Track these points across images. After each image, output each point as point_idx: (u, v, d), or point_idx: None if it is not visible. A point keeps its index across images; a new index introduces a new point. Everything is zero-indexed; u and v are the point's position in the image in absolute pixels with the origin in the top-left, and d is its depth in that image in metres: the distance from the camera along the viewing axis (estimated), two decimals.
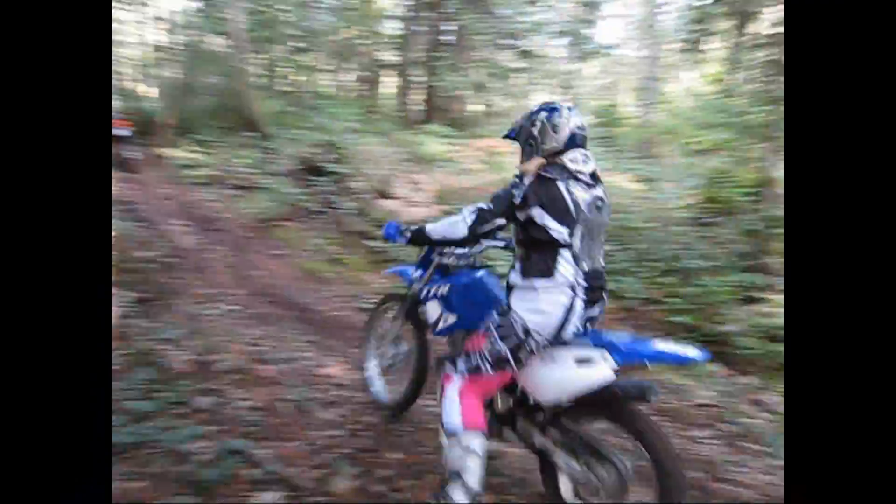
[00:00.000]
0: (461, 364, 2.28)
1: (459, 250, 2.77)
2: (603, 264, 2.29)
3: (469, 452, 2.15)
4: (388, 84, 26.62)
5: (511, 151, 10.50)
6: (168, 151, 12.84)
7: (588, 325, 2.21)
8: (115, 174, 11.32)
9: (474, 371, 2.21)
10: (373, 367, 3.34)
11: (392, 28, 22.44)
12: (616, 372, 2.02)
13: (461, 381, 2.25)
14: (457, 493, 2.13)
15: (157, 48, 21.14)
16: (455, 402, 2.22)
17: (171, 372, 3.57)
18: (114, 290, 4.88)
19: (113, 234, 6.33)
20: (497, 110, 23.33)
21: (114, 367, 3.62)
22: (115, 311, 4.52)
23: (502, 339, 2.14)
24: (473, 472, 2.15)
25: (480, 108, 21.33)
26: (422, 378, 2.95)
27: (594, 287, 2.18)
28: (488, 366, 2.17)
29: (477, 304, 2.54)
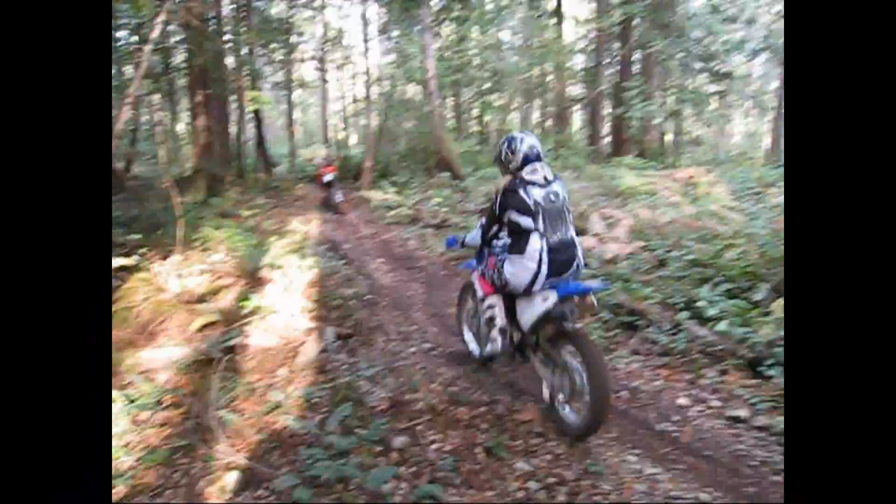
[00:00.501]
0: (480, 270, 3.90)
1: (498, 244, 3.77)
2: (572, 235, 3.35)
3: (492, 307, 3.68)
4: (578, 118, 26.42)
5: (709, 181, 9.79)
6: (369, 193, 13.73)
7: (564, 277, 3.32)
8: (324, 216, 12.42)
9: (482, 274, 3.81)
10: (468, 334, 4.50)
11: (579, 62, 22.33)
12: (557, 303, 3.22)
13: (478, 274, 3.92)
14: (494, 331, 3.67)
15: (356, 100, 23.12)
16: (478, 282, 3.90)
17: (368, 408, 3.60)
18: (317, 325, 5.18)
19: (319, 272, 6.81)
20: (692, 138, 22.03)
21: (313, 401, 3.81)
22: (318, 345, 4.76)
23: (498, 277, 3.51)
24: (499, 315, 3.65)
25: (675, 136, 20.23)
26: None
27: (560, 250, 3.25)
28: (490, 279, 3.64)
29: None
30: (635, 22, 15.84)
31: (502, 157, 3.53)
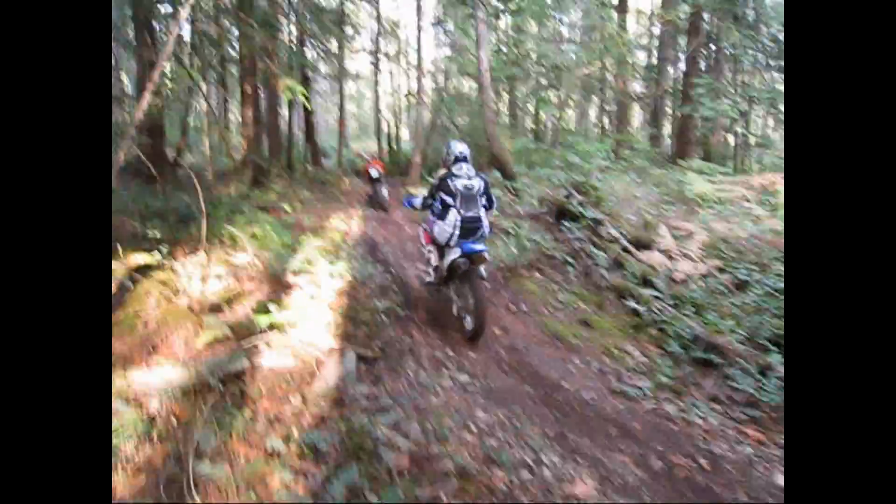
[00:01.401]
0: (423, 227, 5.72)
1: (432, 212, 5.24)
2: (478, 213, 4.94)
3: (430, 252, 5.48)
4: (640, 117, 25.21)
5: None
6: (417, 190, 13.10)
7: (477, 244, 4.84)
8: (368, 212, 11.88)
9: (425, 229, 5.58)
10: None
11: (643, 57, 21.17)
12: (460, 255, 4.83)
13: (422, 229, 5.71)
14: (430, 268, 5.51)
15: (408, 93, 22.52)
16: (421, 234, 5.76)
17: (383, 467, 2.92)
18: (340, 345, 4.56)
19: (352, 278, 6.21)
20: (759, 139, 20.57)
21: (321, 448, 3.16)
22: (338, 370, 4.13)
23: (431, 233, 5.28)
24: (433, 258, 5.39)
25: (740, 137, 18.88)
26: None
27: (469, 224, 4.88)
28: (429, 233, 5.37)
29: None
30: (705, 15, 14.70)
31: (444, 156, 5.36)
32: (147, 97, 5.37)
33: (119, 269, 5.65)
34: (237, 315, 4.92)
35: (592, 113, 30.83)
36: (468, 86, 23.12)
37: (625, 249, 6.07)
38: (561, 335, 4.90)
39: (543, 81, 18.57)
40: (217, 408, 3.53)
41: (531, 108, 25.03)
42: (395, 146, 21.38)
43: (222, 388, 3.64)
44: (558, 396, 3.91)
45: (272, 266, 5.91)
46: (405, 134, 26.92)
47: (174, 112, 18.11)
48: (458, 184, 4.87)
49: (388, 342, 4.61)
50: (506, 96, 23.93)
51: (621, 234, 6.30)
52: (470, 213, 4.87)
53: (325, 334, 4.74)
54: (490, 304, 5.81)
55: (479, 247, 4.79)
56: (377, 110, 23.52)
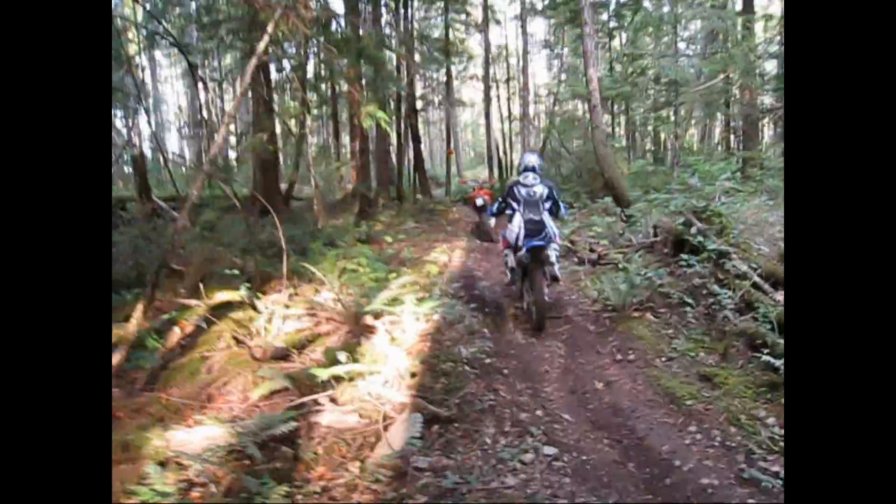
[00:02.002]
0: (502, 234, 6.37)
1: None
2: (541, 217, 5.57)
3: (506, 255, 6.11)
4: (771, 132, 23.06)
5: None
6: None
7: (538, 241, 5.42)
8: (472, 243, 11.39)
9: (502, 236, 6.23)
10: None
11: (772, 67, 19.28)
12: (525, 252, 5.43)
13: (501, 236, 6.44)
14: (507, 268, 6.26)
15: (515, 118, 21.98)
16: (501, 240, 6.38)
17: None
18: (413, 400, 4.02)
19: (440, 319, 5.69)
20: None
21: None
22: (405, 433, 3.58)
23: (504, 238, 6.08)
24: (510, 262, 5.99)
25: None
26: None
27: (531, 226, 5.49)
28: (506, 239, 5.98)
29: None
30: None
31: (518, 167, 6.30)
32: (223, 131, 5.24)
33: (199, 308, 5.50)
34: (306, 362, 4.54)
35: (717, 131, 28.80)
36: (581, 108, 22.29)
37: (756, 286, 5.08)
38: (676, 394, 4.04)
39: (661, 99, 17.36)
40: (261, 474, 3.09)
41: (649, 128, 23.76)
42: (504, 173, 20.87)
43: (261, 453, 3.19)
44: (668, 480, 3.11)
45: (355, 306, 5.50)
46: (516, 160, 26.44)
47: (290, 147, 18.72)
48: (522, 190, 5.64)
49: (467, 398, 4.00)
50: (622, 118, 22.83)
51: (751, 268, 5.30)
52: (532, 216, 5.51)
53: (399, 387, 4.23)
54: (592, 350, 5.05)
55: (537, 242, 5.40)
56: (488, 137, 23.21)
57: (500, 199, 6.05)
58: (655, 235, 7.32)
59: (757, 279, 5.11)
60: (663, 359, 4.67)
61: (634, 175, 15.73)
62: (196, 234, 10.71)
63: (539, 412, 3.93)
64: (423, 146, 19.63)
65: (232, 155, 23.61)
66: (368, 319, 5.21)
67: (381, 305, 5.45)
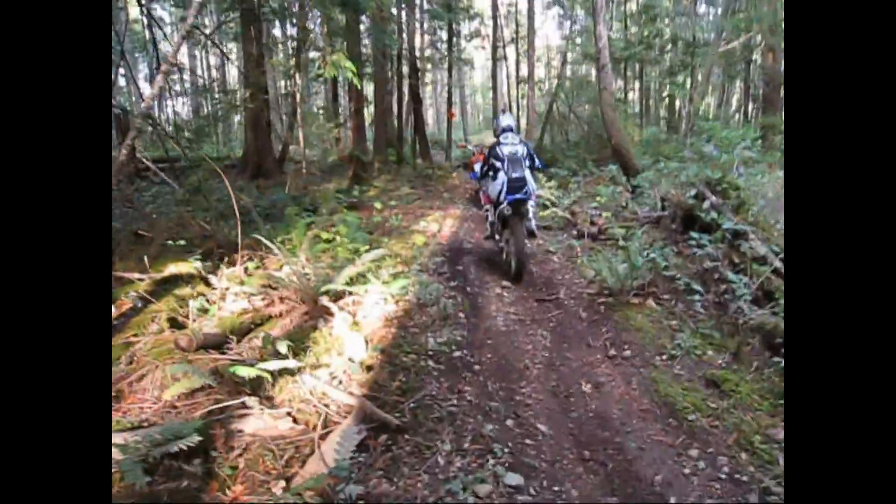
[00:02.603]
0: (482, 190, 7.02)
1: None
2: (522, 173, 5.68)
3: (488, 210, 6.56)
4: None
5: None
6: None
7: (520, 195, 5.63)
8: (467, 211, 10.65)
9: (484, 195, 6.84)
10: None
11: None
12: (506, 205, 5.65)
13: (482, 192, 6.97)
14: (488, 223, 6.70)
15: (522, 80, 20.92)
16: (482, 195, 7.08)
17: None
18: (359, 403, 3.37)
19: (411, 301, 5.03)
20: None
21: None
22: (344, 444, 2.93)
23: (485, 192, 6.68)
24: (490, 214, 6.34)
25: None
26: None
27: (514, 183, 5.64)
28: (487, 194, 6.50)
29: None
30: None
31: (494, 127, 6.77)
32: (159, 80, 4.50)
33: (141, 283, 4.85)
34: (244, 352, 3.88)
35: (734, 98, 27.62)
36: (591, 71, 21.24)
37: (777, 273, 4.35)
38: (676, 405, 3.35)
39: (677, 63, 16.34)
40: (158, 496, 2.48)
41: (664, 94, 22.72)
42: None
43: (163, 469, 2.56)
44: None
45: (316, 283, 4.84)
46: (524, 123, 25.38)
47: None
48: (505, 150, 5.83)
49: (425, 402, 3.36)
50: (635, 84, 21.79)
51: (772, 251, 4.56)
52: (515, 174, 5.69)
53: (349, 385, 3.58)
54: (581, 343, 4.37)
55: (518, 195, 5.65)
56: (494, 100, 22.21)
57: (482, 164, 6.34)
58: (663, 209, 6.57)
59: (778, 264, 4.37)
60: (664, 356, 3.97)
61: (645, 143, 14.86)
62: (180, 197, 10.12)
63: (510, 422, 3.26)
64: (429, 108, 18.70)
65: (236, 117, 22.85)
66: (325, 300, 4.55)
67: (342, 285, 4.78)
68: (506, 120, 6.36)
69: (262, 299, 4.85)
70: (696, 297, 4.59)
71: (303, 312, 4.60)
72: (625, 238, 5.94)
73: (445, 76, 26.31)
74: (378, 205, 10.23)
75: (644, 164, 10.44)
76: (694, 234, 5.08)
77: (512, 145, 5.83)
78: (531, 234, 6.01)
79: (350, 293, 4.74)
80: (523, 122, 20.41)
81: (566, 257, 6.58)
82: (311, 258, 6.00)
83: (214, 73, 25.92)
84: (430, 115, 41.78)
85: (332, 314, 4.45)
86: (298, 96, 12.04)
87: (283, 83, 19.47)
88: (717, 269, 4.77)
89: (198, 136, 12.41)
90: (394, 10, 16.29)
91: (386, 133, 16.04)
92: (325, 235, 6.97)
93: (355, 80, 6.32)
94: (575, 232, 7.57)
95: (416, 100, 17.48)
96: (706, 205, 5.37)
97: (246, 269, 5.47)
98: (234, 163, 16.20)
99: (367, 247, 6.41)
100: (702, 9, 19.74)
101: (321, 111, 20.77)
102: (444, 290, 5.37)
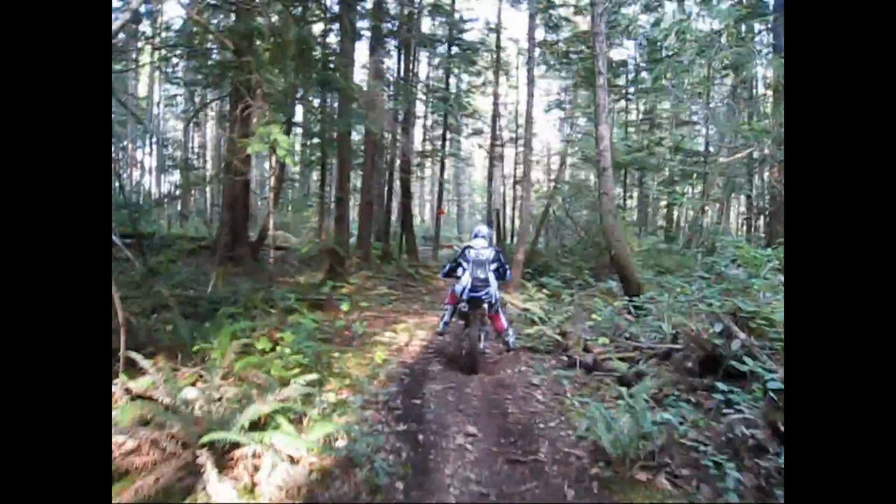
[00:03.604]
0: (450, 290, 6.82)
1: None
2: (486, 276, 6.22)
3: (445, 309, 6.86)
4: None
5: None
6: (511, 297, 10.56)
7: (478, 293, 6.16)
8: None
9: (450, 293, 6.73)
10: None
11: None
12: (466, 301, 6.24)
13: (449, 291, 6.80)
14: (441, 321, 6.83)
15: (517, 181, 20.22)
16: (447, 296, 6.91)
17: None
18: None
19: (338, 454, 3.72)
20: None
21: None
22: None
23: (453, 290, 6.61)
24: (446, 316, 6.73)
25: None
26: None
27: (477, 283, 6.18)
28: (453, 293, 6.58)
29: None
30: None
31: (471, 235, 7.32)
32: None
33: None
34: None
35: (732, 212, 27.11)
36: (591, 176, 20.70)
37: None
38: None
39: (680, 169, 15.66)
40: None
41: (661, 203, 22.14)
42: (503, 242, 19.02)
43: None
44: None
45: (206, 422, 3.54)
46: (517, 226, 24.56)
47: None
48: (472, 252, 6.33)
49: None
50: (634, 192, 21.19)
51: None
52: (478, 275, 6.18)
53: None
54: None
55: (475, 294, 6.14)
56: (489, 201, 21.51)
57: (451, 263, 6.76)
58: (674, 341, 5.35)
59: None
60: None
61: (646, 254, 13.88)
62: (132, 279, 8.99)
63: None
64: (426, 203, 17.86)
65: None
66: (205, 456, 3.22)
67: (237, 433, 3.46)
68: (480, 228, 7.04)
69: (132, 438, 3.52)
70: (728, 477, 3.28)
71: (178, 467, 3.27)
72: (626, 381, 4.67)
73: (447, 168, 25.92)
74: (345, 306, 8.99)
75: (645, 278, 9.35)
76: (721, 386, 3.83)
77: (480, 249, 6.39)
78: (506, 348, 6.59)
79: (250, 443, 3.42)
80: (517, 224, 19.54)
81: (552, 394, 5.28)
82: (235, 376, 4.77)
83: (201, 151, 25.41)
84: (426, 210, 41.35)
85: (201, 471, 3.12)
86: (273, 179, 11.05)
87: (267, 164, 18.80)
88: (753, 437, 3.49)
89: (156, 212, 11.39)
90: (387, 100, 15.81)
91: (369, 226, 15.07)
92: (260, 345, 5.70)
93: (288, 160, 5.34)
94: (565, 358, 6.30)
95: (406, 193, 16.68)
96: (735, 345, 4.14)
97: (128, 391, 4.16)
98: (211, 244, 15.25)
99: (307, 364, 5.15)
100: (698, 120, 19.42)
101: (309, 198, 20.00)
102: (388, 437, 4.06)
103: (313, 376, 4.49)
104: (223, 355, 5.01)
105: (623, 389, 4.32)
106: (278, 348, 5.79)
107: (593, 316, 7.91)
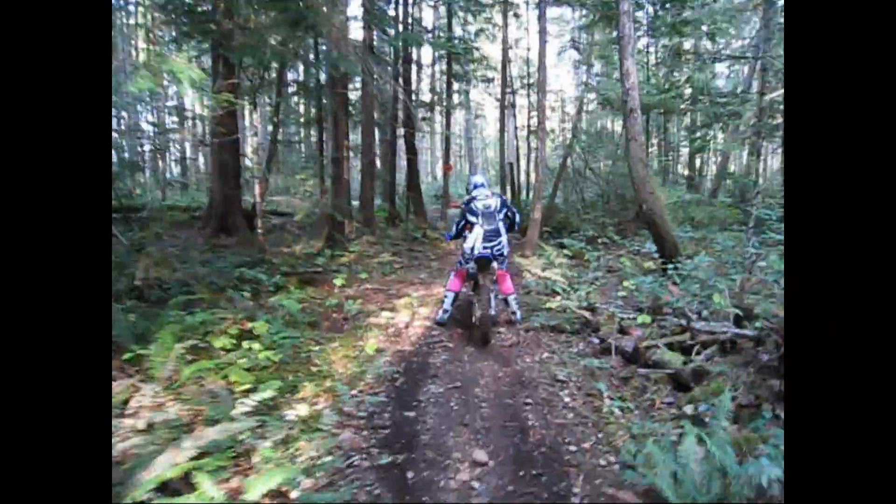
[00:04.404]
0: (455, 267, 6.21)
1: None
2: (497, 226, 5.75)
3: (447, 296, 6.13)
4: None
5: None
6: (529, 262, 9.38)
7: (492, 245, 5.66)
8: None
9: (457, 268, 6.12)
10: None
11: None
12: (475, 261, 5.63)
13: (453, 272, 6.19)
14: (441, 310, 6.18)
15: (531, 131, 18.84)
16: (450, 279, 6.18)
17: None
18: None
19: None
20: None
21: None
22: None
23: (462, 255, 5.98)
24: (447, 303, 6.12)
25: None
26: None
27: (490, 234, 5.65)
28: (457, 265, 6.12)
29: None
30: None
31: (468, 187, 6.30)
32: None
33: None
34: None
35: (773, 160, 25.55)
36: (610, 122, 19.24)
37: None
38: None
39: (712, 114, 14.21)
40: None
41: (682, 150, 20.76)
42: (518, 198, 17.72)
43: None
44: None
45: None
46: (533, 180, 23.15)
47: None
48: (479, 205, 5.86)
49: None
50: (654, 139, 19.67)
51: None
52: (490, 227, 5.75)
53: None
54: None
55: (488, 247, 5.67)
56: (502, 155, 20.14)
57: (457, 222, 6.20)
58: (738, 323, 4.19)
59: None
60: None
61: (673, 206, 12.61)
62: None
63: None
64: (438, 160, 16.59)
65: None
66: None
67: (147, 489, 2.42)
68: (476, 178, 6.40)
69: None
70: None
71: None
72: (683, 382, 3.53)
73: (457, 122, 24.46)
74: (339, 281, 7.92)
75: (679, 235, 8.12)
76: None
77: (485, 199, 5.91)
78: (515, 322, 6.11)
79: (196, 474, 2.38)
80: (532, 178, 18.25)
81: (583, 396, 4.17)
82: (181, 387, 3.81)
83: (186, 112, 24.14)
84: (437, 167, 39.97)
85: None
86: (265, 140, 9.88)
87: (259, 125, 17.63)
88: None
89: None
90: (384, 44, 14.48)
91: (373, 188, 13.91)
92: (219, 343, 4.65)
93: (195, 94, 4.24)
94: (596, 341, 5.19)
95: (411, 150, 15.40)
96: None
97: None
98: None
99: (280, 361, 4.12)
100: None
101: (308, 159, 18.84)
102: (364, 475, 3.00)
103: (274, 389, 3.43)
104: (164, 362, 3.96)
105: (686, 408, 3.18)
106: (246, 343, 4.76)
107: (625, 283, 6.76)
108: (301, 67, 15.69)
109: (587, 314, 5.71)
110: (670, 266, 6.21)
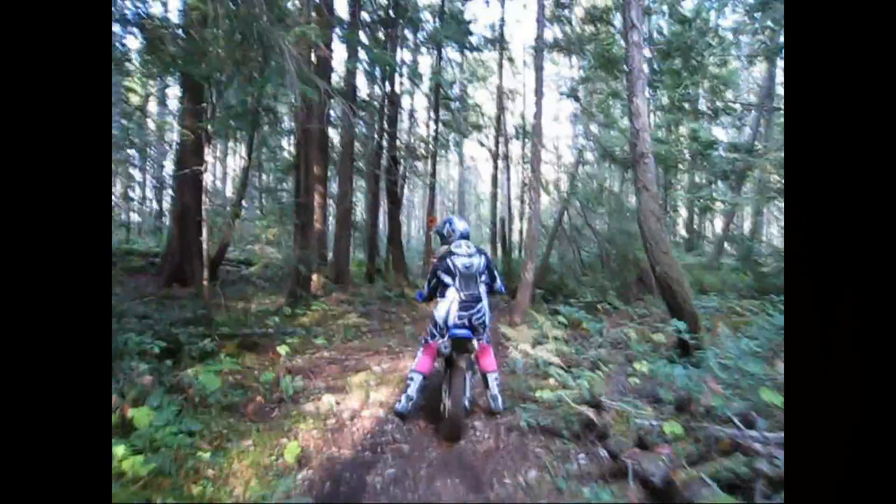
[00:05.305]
0: (422, 340, 4.87)
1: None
2: (477, 292, 4.62)
3: (411, 379, 4.72)
4: None
5: None
6: (516, 331, 7.97)
7: (468, 318, 4.54)
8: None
9: (425, 342, 4.78)
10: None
11: None
12: (449, 338, 4.44)
13: (421, 347, 4.83)
14: (403, 396, 4.73)
15: (525, 183, 17.74)
16: (418, 357, 4.80)
17: None
18: None
19: None
20: None
21: None
22: None
23: (432, 324, 4.69)
24: (413, 387, 4.69)
25: None
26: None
27: (468, 301, 4.56)
28: (427, 338, 4.74)
29: None
30: None
31: (444, 233, 4.95)
32: None
33: None
34: None
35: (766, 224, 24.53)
36: (609, 175, 18.21)
37: None
38: None
39: (722, 168, 13.10)
40: None
41: (681, 210, 19.78)
42: (509, 256, 16.41)
43: None
44: None
45: None
46: (525, 238, 21.92)
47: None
48: (458, 262, 4.69)
49: None
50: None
51: None
52: (468, 292, 4.63)
53: None
54: None
55: (461, 332, 4.48)
56: (493, 210, 18.97)
57: (429, 279, 4.91)
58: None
59: None
60: None
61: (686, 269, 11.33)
62: None
63: None
64: (438, 212, 15.38)
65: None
66: None
67: None
68: (460, 224, 4.98)
69: None
70: None
71: None
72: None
73: (444, 176, 23.42)
74: (283, 349, 6.46)
75: (700, 308, 6.76)
76: None
77: (467, 256, 4.72)
78: (495, 411, 4.81)
79: None
80: (524, 236, 17.03)
81: None
82: None
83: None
84: (423, 221, 38.91)
85: None
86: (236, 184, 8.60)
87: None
88: None
89: None
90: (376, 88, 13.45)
91: (348, 239, 12.60)
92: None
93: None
94: (605, 455, 3.75)
95: (394, 200, 14.16)
96: None
97: None
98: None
99: (149, 475, 2.66)
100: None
101: (280, 205, 17.63)
102: None
103: None
104: None
105: None
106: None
107: (636, 365, 5.35)
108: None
109: (590, 412, 4.25)
110: (693, 342, 4.81)
